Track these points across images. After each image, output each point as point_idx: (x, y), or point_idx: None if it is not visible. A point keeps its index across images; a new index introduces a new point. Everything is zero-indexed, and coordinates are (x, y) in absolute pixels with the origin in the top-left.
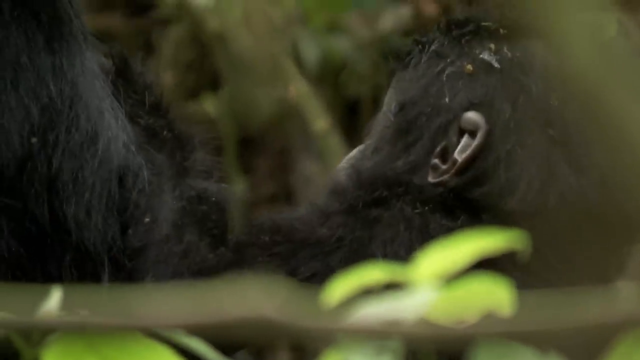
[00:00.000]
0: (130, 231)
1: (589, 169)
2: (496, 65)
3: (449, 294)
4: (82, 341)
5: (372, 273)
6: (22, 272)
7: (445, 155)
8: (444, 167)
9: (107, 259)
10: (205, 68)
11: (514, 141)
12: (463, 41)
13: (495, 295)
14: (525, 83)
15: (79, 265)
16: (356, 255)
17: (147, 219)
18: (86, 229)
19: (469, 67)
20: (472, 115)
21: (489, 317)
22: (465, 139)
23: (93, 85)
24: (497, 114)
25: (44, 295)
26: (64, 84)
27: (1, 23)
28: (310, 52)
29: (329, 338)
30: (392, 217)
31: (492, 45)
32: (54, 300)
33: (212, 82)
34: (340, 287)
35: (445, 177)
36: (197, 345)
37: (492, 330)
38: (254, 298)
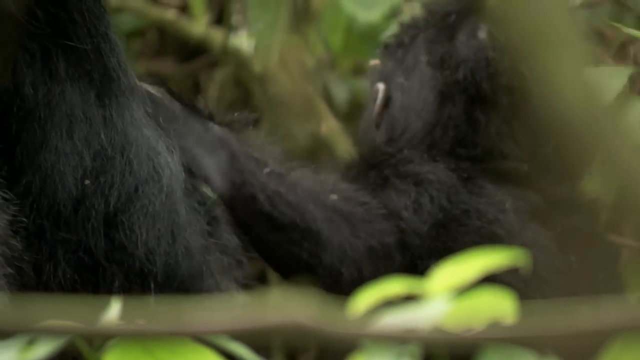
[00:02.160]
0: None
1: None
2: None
3: (460, 304)
4: (138, 346)
5: (393, 286)
6: (77, 296)
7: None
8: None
9: (160, 282)
10: (247, 106)
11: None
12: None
13: (500, 306)
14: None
15: (128, 289)
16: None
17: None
18: (156, 254)
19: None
20: (378, 85)
21: (494, 325)
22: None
23: (142, 132)
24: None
25: (105, 307)
26: (114, 133)
27: (58, 80)
28: (339, 93)
29: (355, 343)
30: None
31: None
32: (114, 311)
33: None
34: (365, 298)
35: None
36: (239, 349)
37: (497, 336)
38: (289, 307)
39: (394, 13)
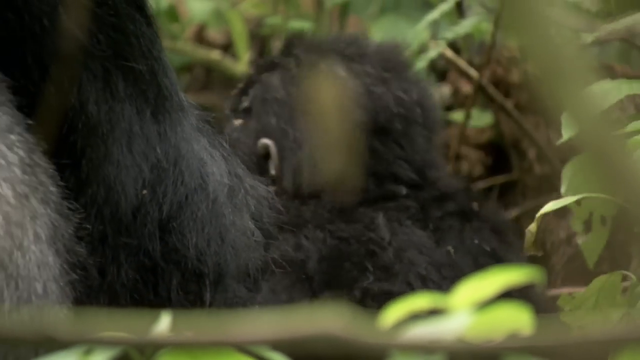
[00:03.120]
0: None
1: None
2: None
3: (481, 317)
4: (186, 356)
5: (420, 301)
6: (139, 294)
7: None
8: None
9: (213, 280)
10: None
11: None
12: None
13: (518, 319)
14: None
15: (184, 287)
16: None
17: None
18: (207, 255)
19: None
20: (263, 142)
21: (513, 336)
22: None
23: (192, 146)
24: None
25: (156, 319)
26: (168, 147)
27: (118, 99)
28: None
29: (385, 352)
30: None
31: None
32: (164, 322)
33: None
34: (394, 311)
35: (285, 189)
36: (278, 358)
37: (515, 346)
38: (324, 319)
39: (420, 50)
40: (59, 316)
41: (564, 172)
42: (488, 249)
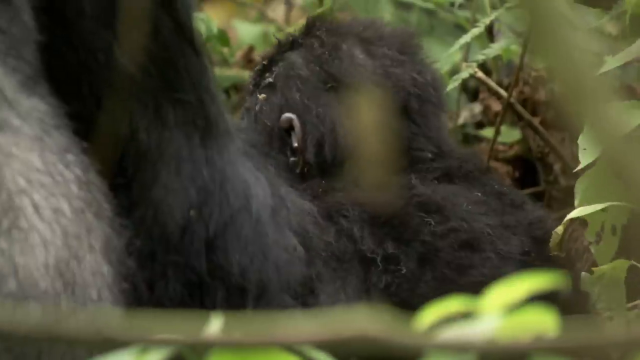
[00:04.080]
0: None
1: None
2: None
3: (510, 320)
4: (236, 355)
5: (454, 304)
6: (185, 308)
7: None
8: (296, 158)
9: (255, 295)
10: None
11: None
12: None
13: (544, 321)
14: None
15: (229, 302)
16: None
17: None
18: (250, 272)
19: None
20: (287, 116)
21: (540, 338)
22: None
23: (237, 169)
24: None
25: (207, 321)
26: (214, 171)
27: (167, 127)
28: None
29: (420, 352)
30: None
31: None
32: (215, 324)
33: None
34: (429, 314)
35: (303, 162)
36: (321, 356)
37: (542, 346)
38: (364, 320)
39: (453, 71)
40: (114, 318)
41: (577, 185)
42: (507, 191)
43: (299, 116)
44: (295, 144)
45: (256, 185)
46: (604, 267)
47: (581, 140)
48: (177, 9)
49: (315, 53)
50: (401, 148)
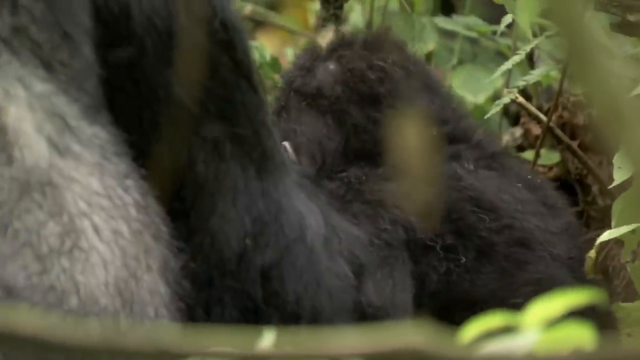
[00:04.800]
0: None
1: None
2: None
3: (550, 334)
4: None
5: (496, 320)
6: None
7: None
8: None
9: (309, 321)
10: None
11: None
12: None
13: (583, 335)
14: None
15: (284, 324)
16: None
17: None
18: (304, 299)
19: None
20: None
21: (578, 351)
22: None
23: (291, 201)
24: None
25: (260, 336)
26: (269, 202)
27: (224, 159)
28: None
29: None
30: None
31: None
32: (268, 339)
33: None
34: (473, 328)
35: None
36: None
37: (580, 359)
38: (411, 334)
39: (495, 96)
40: (171, 332)
41: (614, 206)
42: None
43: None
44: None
45: (310, 216)
46: (630, 306)
47: (616, 160)
48: (235, 47)
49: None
50: (435, 133)
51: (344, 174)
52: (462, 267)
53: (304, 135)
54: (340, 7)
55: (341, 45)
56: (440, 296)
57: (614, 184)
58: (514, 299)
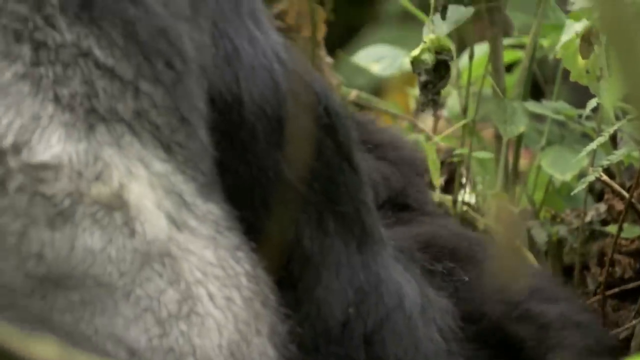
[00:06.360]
0: None
1: None
2: None
3: None
4: None
5: None
6: None
7: None
8: None
9: None
10: None
11: None
12: None
13: None
14: None
15: None
16: None
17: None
18: None
19: None
20: None
21: None
22: None
23: (390, 273)
24: None
25: None
26: (369, 274)
27: (328, 235)
28: (539, 236)
29: None
30: None
31: None
32: None
33: None
34: None
35: None
36: None
37: None
38: None
39: (581, 174)
40: None
41: None
42: None
43: None
44: None
45: (406, 286)
46: None
47: None
48: (337, 131)
49: None
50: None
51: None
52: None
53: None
54: (438, 93)
55: None
56: None
57: None
58: None
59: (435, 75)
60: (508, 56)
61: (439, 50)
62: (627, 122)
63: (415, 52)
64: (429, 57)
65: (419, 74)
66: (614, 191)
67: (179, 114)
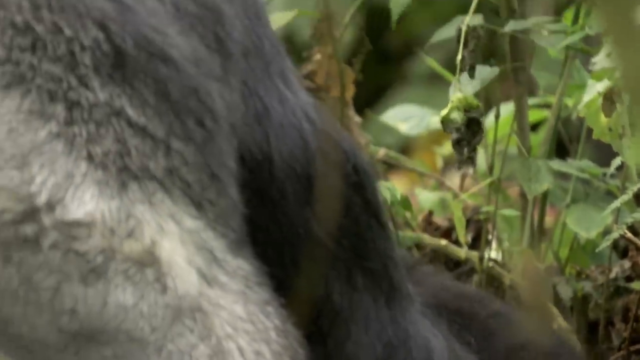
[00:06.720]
0: None
1: None
2: None
3: None
4: None
5: None
6: None
7: None
8: None
9: None
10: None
11: None
12: None
13: None
14: None
15: None
16: None
17: None
18: None
19: None
20: None
21: None
22: None
23: (418, 329)
24: None
25: None
26: (398, 329)
27: (357, 290)
28: (565, 291)
29: None
30: None
31: None
32: None
33: None
34: None
35: None
36: None
37: None
38: None
39: (605, 232)
40: None
41: None
42: None
43: None
44: None
45: (434, 341)
46: None
47: None
48: (365, 188)
49: None
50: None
51: None
52: None
53: None
54: (475, 150)
55: None
56: None
57: None
58: None
59: (467, 132)
60: (533, 115)
61: (467, 108)
62: None
63: (445, 111)
64: (458, 116)
65: (450, 133)
66: (637, 248)
67: (210, 171)
